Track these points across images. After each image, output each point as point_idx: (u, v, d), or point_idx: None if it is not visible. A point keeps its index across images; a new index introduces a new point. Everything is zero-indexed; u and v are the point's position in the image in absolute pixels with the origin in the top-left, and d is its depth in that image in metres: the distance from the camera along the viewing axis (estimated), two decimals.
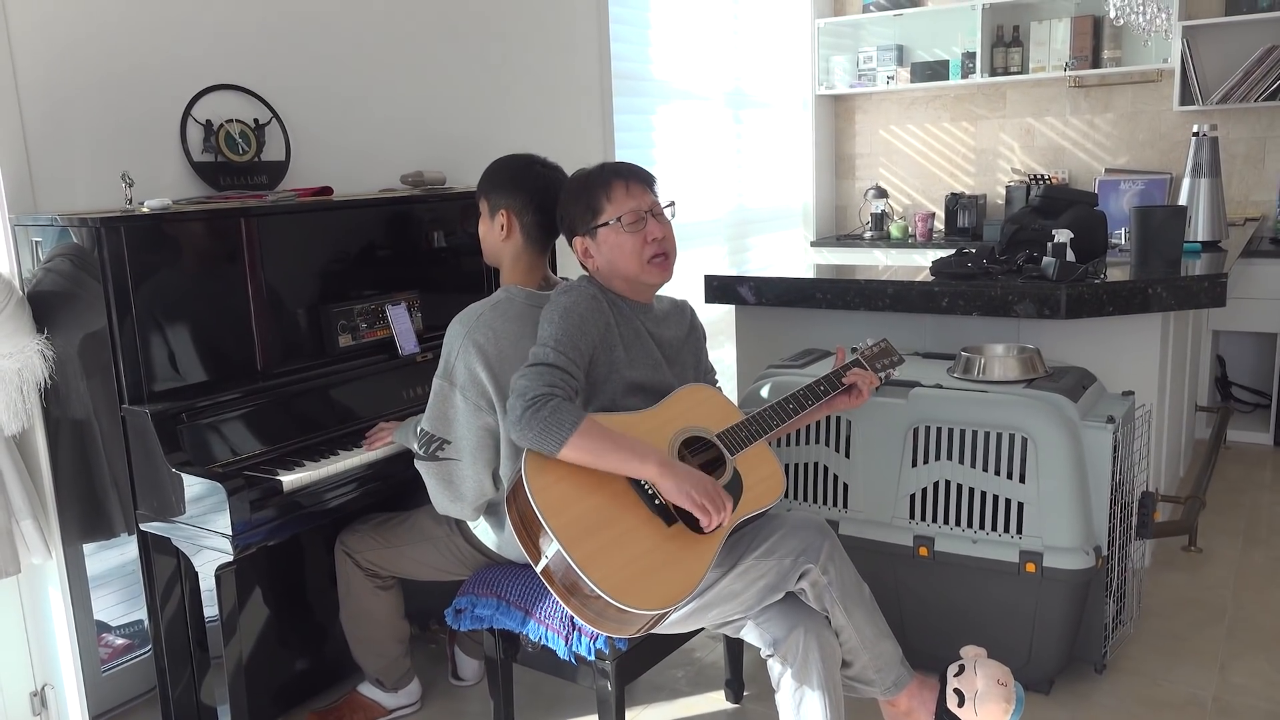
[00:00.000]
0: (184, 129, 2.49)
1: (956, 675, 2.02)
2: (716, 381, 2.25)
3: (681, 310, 2.23)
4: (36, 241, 2.16)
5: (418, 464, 2.08)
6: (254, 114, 2.64)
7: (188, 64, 2.51)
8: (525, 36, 3.52)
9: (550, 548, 1.76)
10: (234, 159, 2.58)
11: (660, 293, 2.17)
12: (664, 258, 2.05)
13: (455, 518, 2.17)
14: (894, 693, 2.05)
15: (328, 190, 2.62)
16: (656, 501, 1.85)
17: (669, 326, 2.15)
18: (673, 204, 2.10)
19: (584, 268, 2.11)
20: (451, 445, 2.04)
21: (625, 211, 2.01)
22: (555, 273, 2.31)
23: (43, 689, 2.34)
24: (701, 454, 1.98)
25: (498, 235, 2.22)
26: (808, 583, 1.93)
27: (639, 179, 2.06)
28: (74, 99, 2.28)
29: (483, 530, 2.19)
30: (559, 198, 2.13)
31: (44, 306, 2.18)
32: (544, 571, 1.79)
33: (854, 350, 2.23)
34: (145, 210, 2.13)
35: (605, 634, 1.92)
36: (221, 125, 2.56)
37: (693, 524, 1.85)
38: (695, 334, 2.23)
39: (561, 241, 2.20)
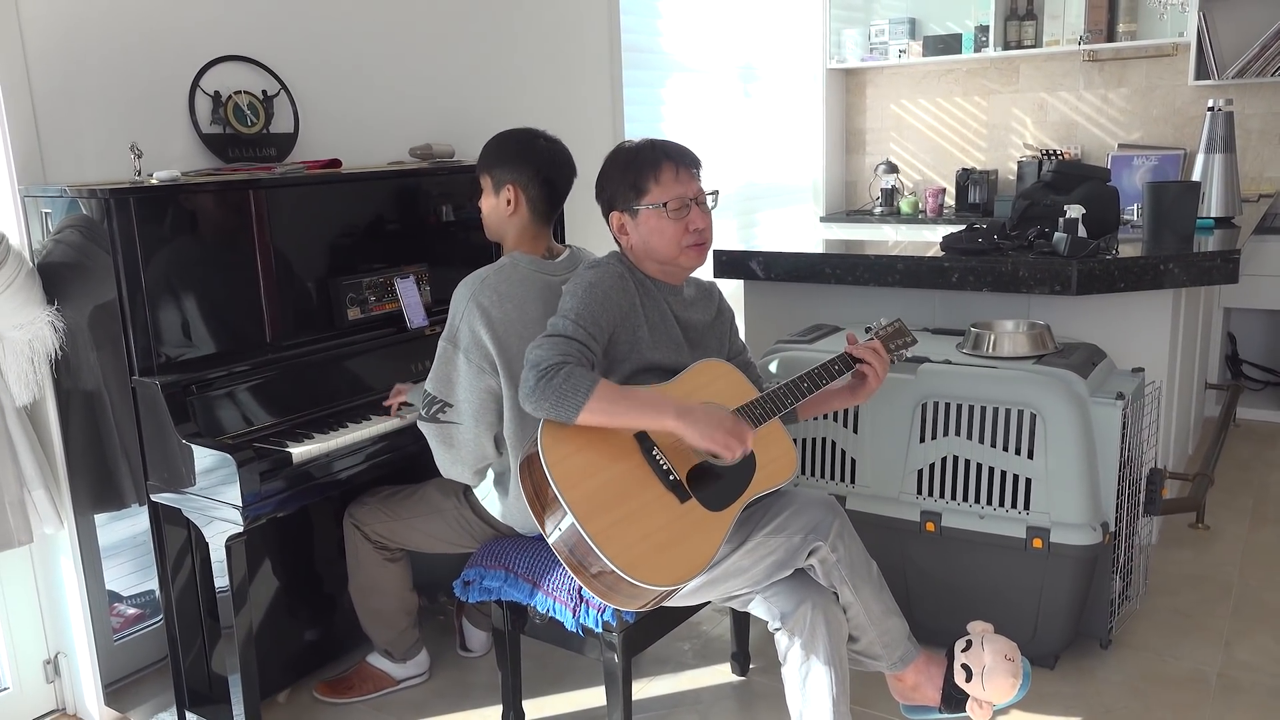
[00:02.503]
0: (192, 100, 2.48)
1: (964, 651, 2.03)
2: (750, 360, 2.24)
3: (709, 294, 2.21)
4: (46, 213, 2.16)
5: (419, 424, 2.10)
6: (262, 85, 2.63)
7: (196, 35, 2.50)
8: (535, 8, 3.49)
9: (564, 521, 1.76)
10: (242, 131, 2.57)
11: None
12: (702, 246, 2.04)
13: (458, 481, 2.19)
14: (901, 668, 2.06)
15: (336, 163, 2.61)
16: (671, 478, 1.85)
17: (696, 310, 2.14)
18: (716, 193, 2.08)
19: (616, 242, 2.10)
20: (453, 408, 2.05)
21: (671, 197, 1.99)
22: (564, 240, 2.31)
23: (55, 657, 2.36)
24: None
25: (504, 210, 2.22)
26: (817, 560, 1.94)
27: (688, 164, 2.03)
28: (83, 70, 2.28)
29: (489, 500, 2.20)
30: (601, 169, 2.10)
31: (54, 278, 2.18)
32: (556, 544, 1.80)
33: (867, 330, 2.22)
34: (154, 182, 2.13)
35: (613, 606, 1.93)
36: (230, 97, 2.55)
37: (706, 501, 1.86)
38: (723, 317, 2.22)
39: (573, 211, 2.18)
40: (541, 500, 1.80)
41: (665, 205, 1.99)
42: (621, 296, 1.97)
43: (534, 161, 2.20)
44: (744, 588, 1.98)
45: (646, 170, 2.00)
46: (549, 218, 2.24)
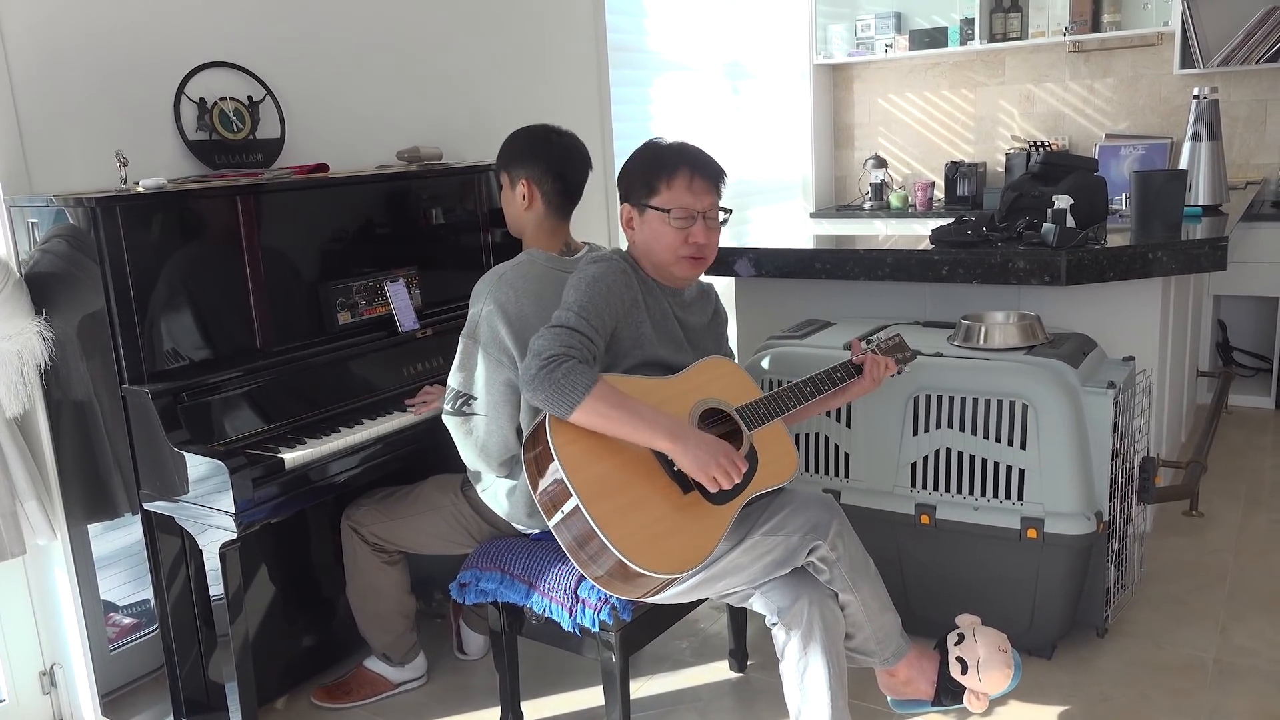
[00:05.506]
0: (178, 107, 2.48)
1: (957, 644, 2.04)
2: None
3: (707, 295, 2.22)
4: (33, 223, 2.16)
5: (445, 418, 2.12)
6: (248, 91, 2.63)
7: (180, 42, 2.49)
8: (521, 9, 3.49)
9: (569, 503, 1.77)
10: (229, 137, 2.57)
11: None
12: (698, 261, 2.03)
13: (475, 470, 2.20)
14: (894, 663, 2.07)
15: (324, 167, 2.61)
16: (674, 468, 1.86)
17: (694, 312, 2.15)
18: (729, 212, 2.07)
19: (625, 231, 2.10)
20: (478, 401, 2.08)
21: (678, 206, 1.98)
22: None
23: (51, 669, 2.36)
24: (719, 426, 1.99)
25: (520, 205, 2.28)
26: (816, 558, 1.94)
27: (706, 176, 2.01)
28: (67, 79, 2.27)
29: (493, 491, 2.20)
30: (627, 158, 2.10)
31: (42, 288, 2.17)
32: (558, 527, 1.81)
33: (868, 342, 2.24)
34: (141, 190, 2.12)
35: (611, 593, 1.92)
36: (215, 103, 2.54)
37: (707, 494, 1.87)
38: (718, 318, 2.24)
39: (583, 208, 2.20)
40: (547, 485, 1.81)
41: (670, 212, 1.98)
42: (625, 292, 1.97)
43: (546, 156, 2.26)
44: (741, 585, 1.98)
45: (663, 172, 1.99)
46: (565, 211, 2.29)
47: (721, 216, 2.05)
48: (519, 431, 2.11)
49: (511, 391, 2.08)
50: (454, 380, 2.11)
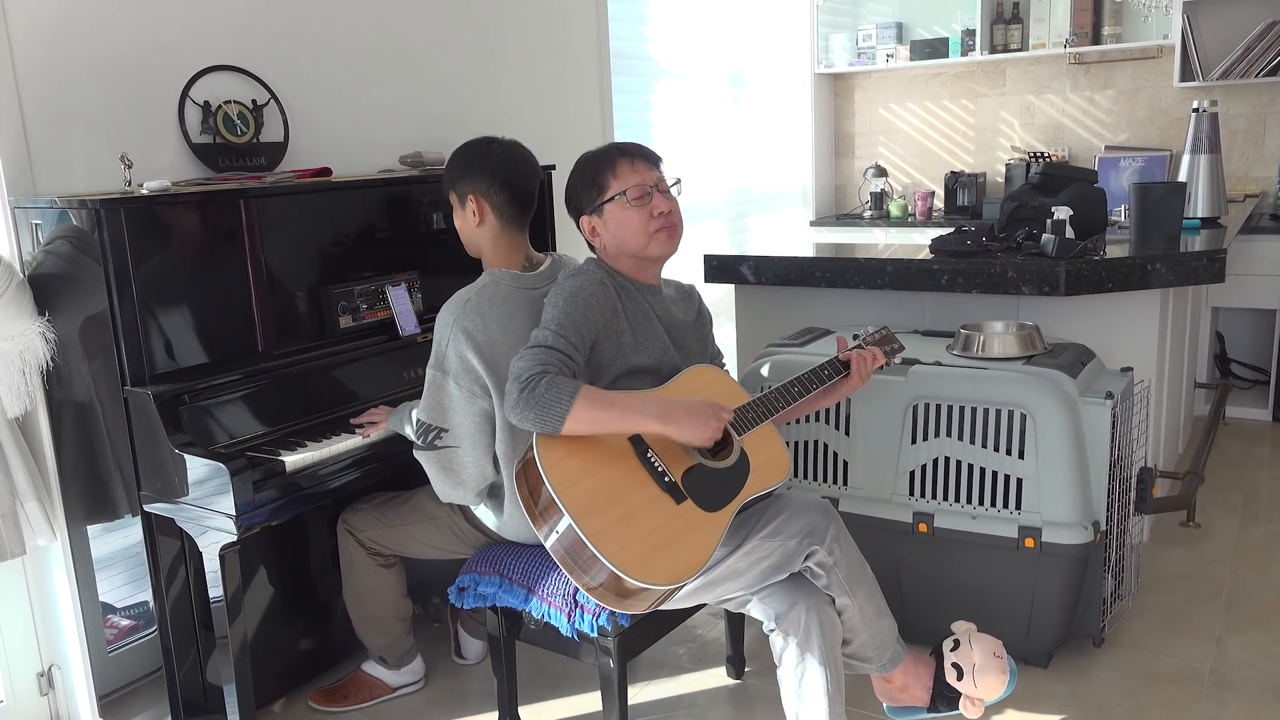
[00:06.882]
0: (182, 110, 2.49)
1: (952, 650, 2.05)
2: (724, 364, 2.26)
3: (689, 295, 2.23)
4: (36, 224, 2.16)
5: (416, 453, 2.08)
6: (252, 95, 2.64)
7: (185, 45, 2.50)
8: (524, 15, 3.50)
9: (561, 522, 1.77)
10: (232, 140, 2.58)
11: (665, 276, 2.17)
12: (670, 229, 2.05)
13: (458, 504, 2.18)
14: (890, 669, 2.07)
15: (327, 171, 2.62)
16: (666, 479, 1.86)
17: (677, 309, 2.15)
18: (679, 181, 2.10)
19: (591, 248, 2.11)
20: (449, 433, 2.04)
21: (630, 186, 2.01)
22: (556, 248, 2.31)
23: (49, 670, 2.36)
24: None
25: (471, 223, 2.21)
26: (814, 563, 1.94)
27: (643, 156, 2.06)
28: (72, 81, 2.28)
29: (483, 512, 2.20)
30: (566, 182, 2.12)
31: (45, 289, 2.18)
32: (553, 546, 1.81)
33: (855, 337, 2.24)
34: (145, 192, 2.13)
35: (611, 609, 1.93)
36: (220, 107, 2.55)
37: (701, 502, 1.87)
38: (702, 318, 2.23)
39: (561, 218, 2.19)
40: (538, 504, 1.81)
41: (626, 194, 2.01)
42: (603, 302, 1.98)
43: (489, 167, 2.18)
44: (739, 590, 1.98)
45: (604, 168, 2.04)
46: (519, 222, 2.22)
47: (674, 188, 2.09)
48: (494, 460, 2.09)
49: (487, 421, 2.05)
50: (423, 414, 2.05)
